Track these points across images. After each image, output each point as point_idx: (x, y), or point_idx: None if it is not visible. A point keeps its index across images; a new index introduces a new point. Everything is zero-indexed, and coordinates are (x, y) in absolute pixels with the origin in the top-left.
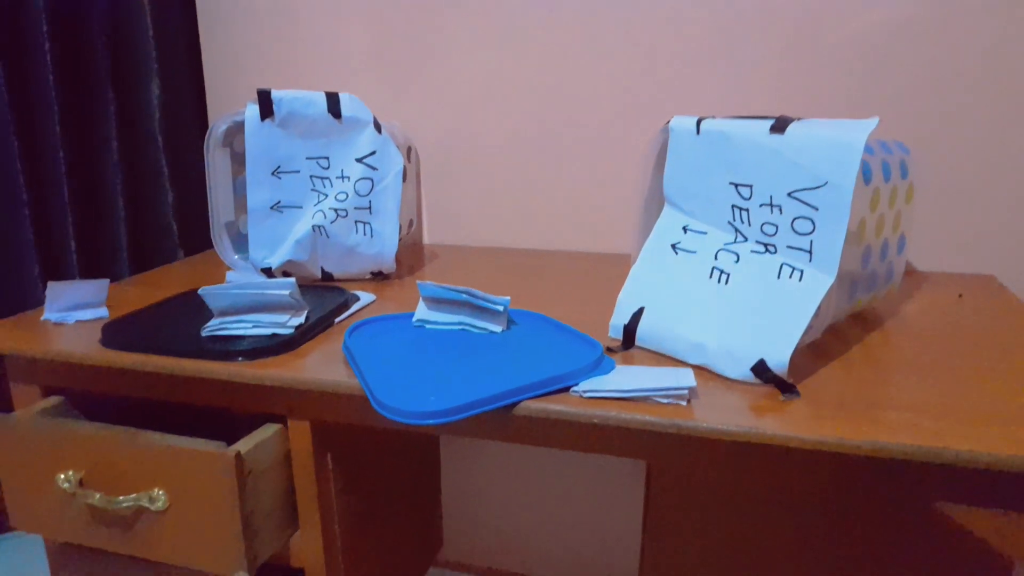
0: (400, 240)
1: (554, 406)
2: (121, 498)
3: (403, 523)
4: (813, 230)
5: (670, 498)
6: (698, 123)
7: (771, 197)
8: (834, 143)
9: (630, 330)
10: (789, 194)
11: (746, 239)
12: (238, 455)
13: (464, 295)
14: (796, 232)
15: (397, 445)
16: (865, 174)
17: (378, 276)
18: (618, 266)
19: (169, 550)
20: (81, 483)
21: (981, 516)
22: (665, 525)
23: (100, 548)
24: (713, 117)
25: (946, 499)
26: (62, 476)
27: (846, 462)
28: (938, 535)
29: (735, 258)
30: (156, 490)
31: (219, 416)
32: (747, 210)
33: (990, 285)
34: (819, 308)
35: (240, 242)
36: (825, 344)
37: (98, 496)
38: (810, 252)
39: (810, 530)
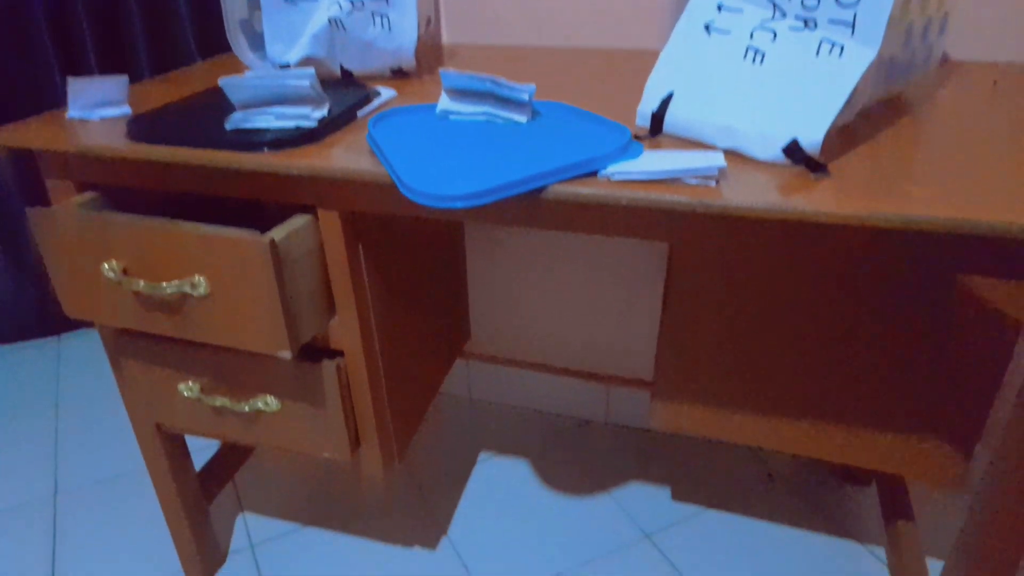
0: (418, 38)
1: (582, 189)
2: (164, 284)
3: (433, 314)
4: (858, 0)
5: (690, 282)
6: None
7: None
8: None
9: (658, 117)
10: None
11: (784, 15)
12: (272, 241)
13: (488, 84)
14: (839, 4)
15: (424, 237)
16: None
17: (398, 74)
18: (644, 61)
19: (216, 332)
20: (125, 272)
21: (996, 286)
22: (684, 309)
23: (151, 333)
24: None
25: (967, 271)
26: (106, 266)
27: (873, 238)
28: (955, 305)
29: (772, 36)
30: (197, 277)
31: (250, 213)
32: None
33: None
34: (856, 86)
35: (256, 41)
36: (855, 128)
37: (142, 283)
38: (852, 25)
39: (830, 308)
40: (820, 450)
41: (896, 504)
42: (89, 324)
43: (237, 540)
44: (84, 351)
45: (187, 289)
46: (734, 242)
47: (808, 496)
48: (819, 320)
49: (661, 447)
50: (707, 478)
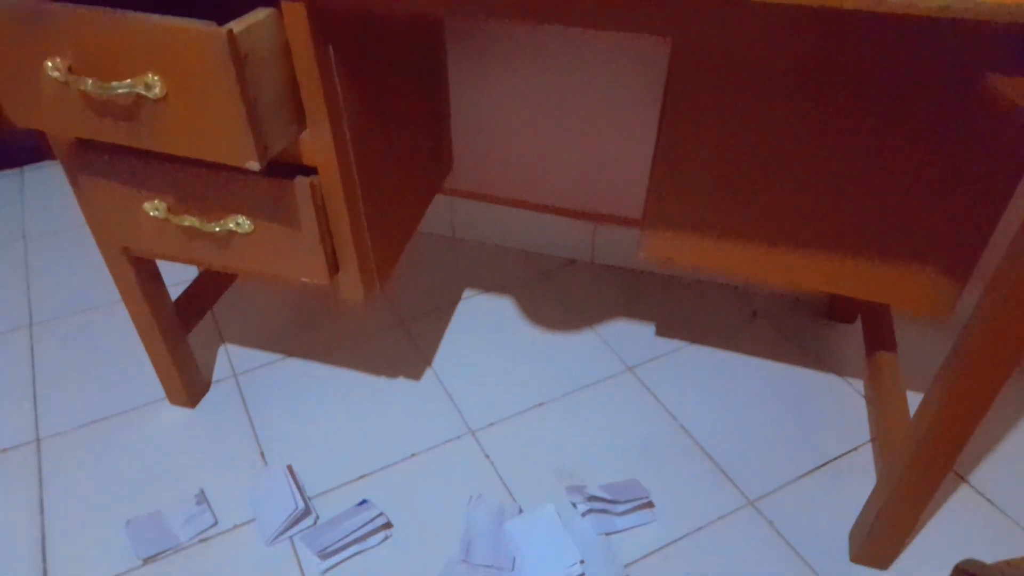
0: None
1: None
2: (115, 84)
3: (413, 135)
4: None
5: (690, 99)
6: None
7: None
8: None
9: None
10: None
11: None
12: (230, 33)
13: None
14: None
15: (402, 46)
16: None
17: None
18: None
19: (177, 140)
20: (71, 70)
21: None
22: (680, 129)
23: (108, 143)
24: None
25: (997, 69)
26: (49, 64)
27: (897, 28)
28: (979, 108)
29: None
30: (150, 76)
31: (204, 15)
32: None
33: None
34: None
35: None
36: None
37: (90, 83)
38: None
39: (835, 126)
40: (813, 280)
41: (880, 337)
42: (51, 156)
43: (220, 370)
44: (48, 184)
45: (140, 90)
46: (741, 35)
47: (791, 332)
48: (822, 140)
49: (646, 287)
50: (691, 316)
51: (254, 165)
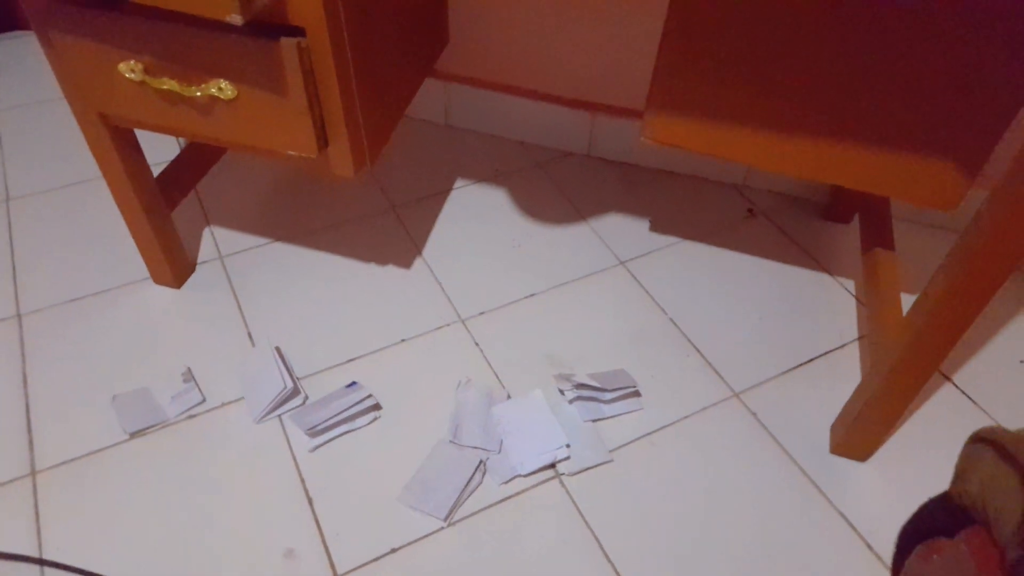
0: None
1: None
2: None
3: (407, 7)
4: None
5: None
6: None
7: None
8: None
9: None
10: None
11: None
12: None
13: None
14: None
15: None
16: None
17: None
18: None
19: None
20: None
21: None
22: (695, 3)
23: None
24: None
25: None
26: None
27: None
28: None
29: None
30: None
31: None
32: None
33: None
34: None
35: None
36: None
37: None
38: None
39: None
40: (818, 170)
41: (878, 235)
42: (20, 26)
43: (205, 252)
44: (18, 55)
45: None
46: None
47: (786, 230)
48: (837, 24)
49: (643, 181)
50: (687, 211)
51: (236, 18)
